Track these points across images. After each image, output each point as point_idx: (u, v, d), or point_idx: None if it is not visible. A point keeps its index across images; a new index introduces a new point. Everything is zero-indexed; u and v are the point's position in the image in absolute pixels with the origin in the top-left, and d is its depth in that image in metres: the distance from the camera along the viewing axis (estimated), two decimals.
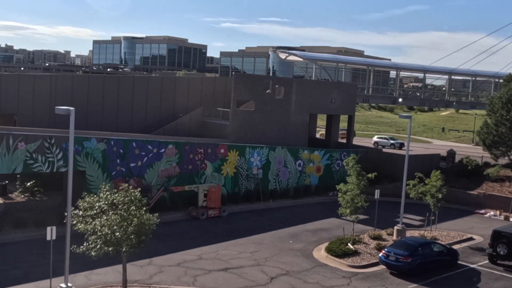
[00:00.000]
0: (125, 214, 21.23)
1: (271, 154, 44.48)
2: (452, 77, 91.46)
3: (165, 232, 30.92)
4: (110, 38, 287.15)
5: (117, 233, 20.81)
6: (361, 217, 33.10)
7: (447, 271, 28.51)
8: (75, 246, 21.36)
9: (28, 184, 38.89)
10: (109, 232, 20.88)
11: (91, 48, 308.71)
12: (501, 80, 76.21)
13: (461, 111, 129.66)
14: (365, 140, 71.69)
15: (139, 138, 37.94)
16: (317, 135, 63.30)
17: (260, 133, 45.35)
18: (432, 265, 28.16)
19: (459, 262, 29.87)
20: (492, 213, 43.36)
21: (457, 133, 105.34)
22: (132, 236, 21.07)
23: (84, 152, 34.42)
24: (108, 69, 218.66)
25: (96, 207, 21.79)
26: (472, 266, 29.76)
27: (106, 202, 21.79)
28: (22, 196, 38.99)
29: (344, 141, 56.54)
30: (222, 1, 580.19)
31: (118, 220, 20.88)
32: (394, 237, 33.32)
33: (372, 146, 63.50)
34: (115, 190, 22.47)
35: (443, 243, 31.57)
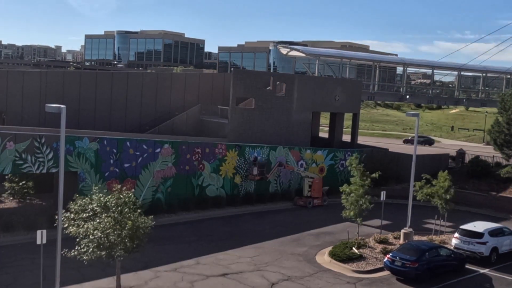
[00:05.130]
0: (118, 217, 21.28)
1: (272, 154, 44.50)
2: (462, 73, 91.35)
3: (161, 236, 31.01)
4: (103, 33, 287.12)
5: (110, 237, 20.86)
6: (366, 219, 33.13)
7: (456, 276, 28.52)
8: (67, 250, 21.42)
9: (17, 185, 38.88)
10: (102, 235, 20.93)
11: (83, 43, 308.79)
12: None
13: (471, 109, 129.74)
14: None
15: (133, 137, 37.95)
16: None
17: (260, 132, 45.37)
18: (439, 270, 28.18)
19: (466, 266, 29.89)
20: None
21: (467, 132, 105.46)
22: (126, 240, 21.12)
23: (76, 152, 34.43)
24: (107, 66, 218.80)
25: (88, 210, 21.85)
26: (482, 271, 29.79)
27: (99, 205, 21.83)
28: (11, 198, 39.03)
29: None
30: None
31: (111, 223, 20.93)
32: (401, 241, 33.33)
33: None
34: (106, 191, 22.55)
35: (451, 247, 31.62)
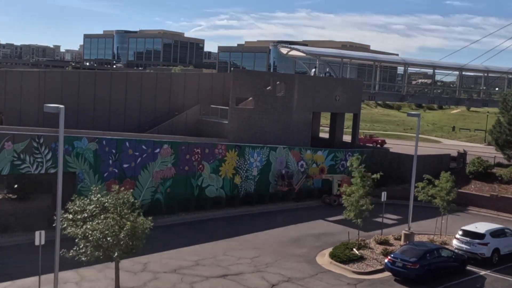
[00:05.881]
0: (117, 217, 21.26)
1: (272, 154, 44.48)
2: (463, 73, 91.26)
3: (160, 237, 31.00)
4: (102, 32, 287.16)
5: (109, 238, 20.85)
6: (367, 220, 33.07)
7: (457, 278, 28.52)
8: (65, 251, 21.41)
9: (16, 186, 38.89)
10: (100, 236, 20.93)
11: (81, 43, 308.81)
12: None
13: (472, 109, 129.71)
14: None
15: (132, 137, 37.97)
16: None
17: (260, 132, 45.38)
18: (440, 271, 28.16)
19: (467, 268, 29.88)
20: None
21: (468, 132, 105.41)
22: (125, 241, 21.10)
23: (74, 152, 34.42)
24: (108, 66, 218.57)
25: (87, 210, 21.85)
26: (483, 272, 29.78)
27: (97, 205, 21.81)
28: (9, 198, 39.02)
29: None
30: None
31: (110, 224, 20.92)
32: (402, 242, 33.32)
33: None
34: (105, 192, 22.55)
35: (452, 248, 31.62)
